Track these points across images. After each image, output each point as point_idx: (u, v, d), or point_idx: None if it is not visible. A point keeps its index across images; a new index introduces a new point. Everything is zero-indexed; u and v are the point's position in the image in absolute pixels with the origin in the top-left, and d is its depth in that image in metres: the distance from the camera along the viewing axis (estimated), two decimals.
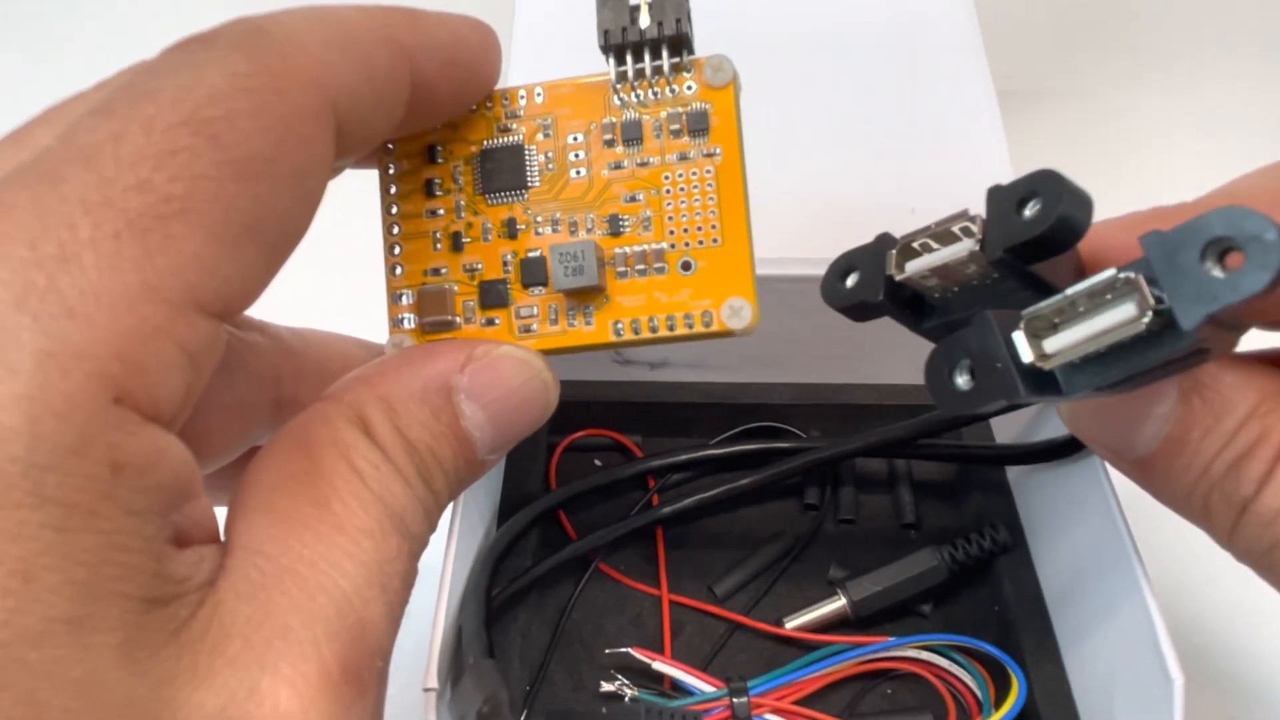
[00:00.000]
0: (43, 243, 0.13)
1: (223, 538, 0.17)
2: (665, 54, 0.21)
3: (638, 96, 0.21)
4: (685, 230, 0.21)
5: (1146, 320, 0.15)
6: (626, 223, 0.21)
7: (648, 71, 0.21)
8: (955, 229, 0.18)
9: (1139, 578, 0.23)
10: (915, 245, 0.18)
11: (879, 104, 0.37)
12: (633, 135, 0.21)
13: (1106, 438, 0.20)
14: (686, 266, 0.21)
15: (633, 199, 0.21)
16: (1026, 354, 0.16)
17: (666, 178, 0.21)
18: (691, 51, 0.21)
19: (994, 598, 0.29)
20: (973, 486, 0.32)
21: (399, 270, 0.22)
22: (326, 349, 0.23)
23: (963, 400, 0.17)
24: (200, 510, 0.15)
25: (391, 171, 0.22)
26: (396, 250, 0.22)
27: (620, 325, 0.21)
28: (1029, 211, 0.17)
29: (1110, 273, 0.15)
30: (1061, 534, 0.28)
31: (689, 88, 0.21)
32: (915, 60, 0.38)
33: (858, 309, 0.20)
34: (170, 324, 0.14)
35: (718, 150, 0.21)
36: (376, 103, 0.18)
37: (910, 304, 0.20)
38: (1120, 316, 0.15)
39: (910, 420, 0.30)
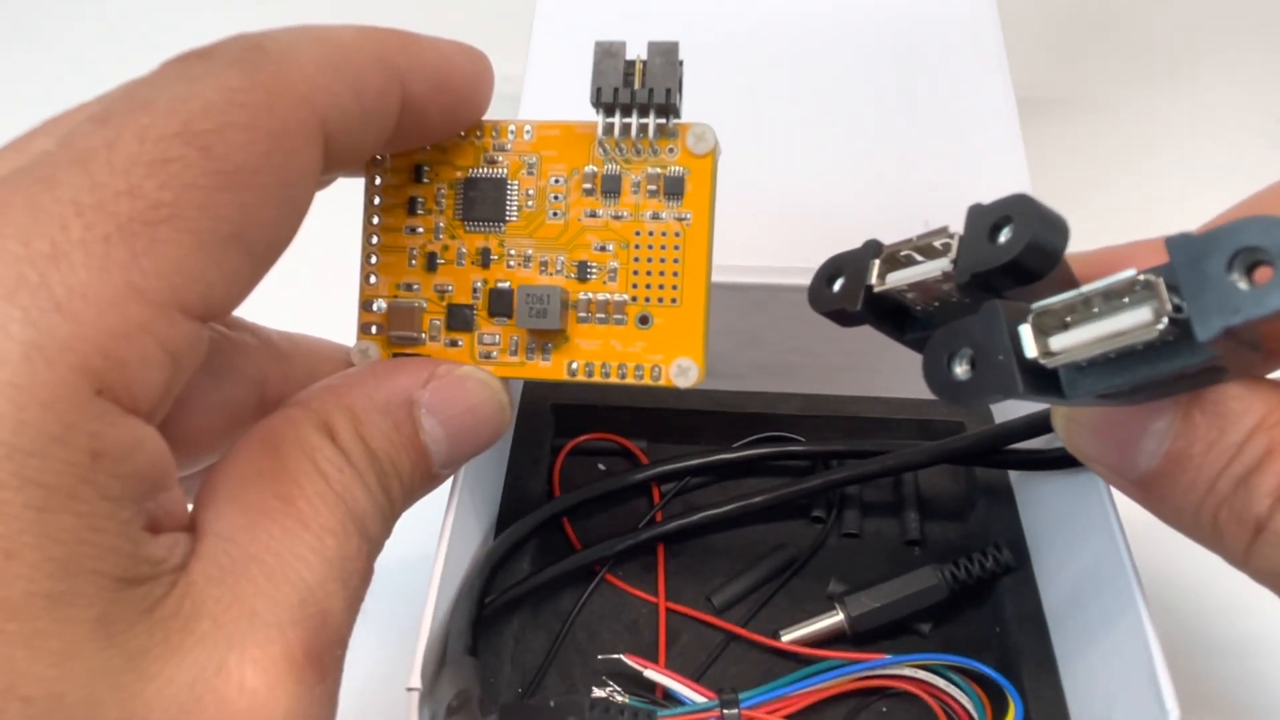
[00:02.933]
0: (36, 240, 0.14)
1: None
2: (652, 116, 0.22)
3: (621, 151, 0.22)
4: (648, 286, 0.22)
5: (1161, 327, 0.14)
6: (594, 270, 0.22)
7: (634, 130, 0.22)
8: (937, 244, 0.17)
9: (1139, 604, 0.23)
10: (900, 255, 0.18)
11: (898, 112, 0.37)
12: (611, 188, 0.22)
13: (1104, 455, 0.20)
14: (644, 320, 0.22)
15: (603, 248, 0.22)
16: (1031, 349, 0.15)
17: (637, 233, 0.22)
18: (678, 116, 0.22)
19: (996, 619, 0.29)
20: (980, 505, 0.31)
21: (373, 279, 0.23)
22: (316, 355, 0.23)
23: (958, 390, 0.16)
24: (173, 501, 0.16)
25: (378, 183, 0.23)
26: (373, 260, 0.23)
27: (575, 365, 0.22)
28: (1002, 237, 0.16)
29: (1130, 273, 0.15)
30: (1065, 556, 0.28)
31: (670, 150, 0.22)
32: (935, 68, 0.38)
33: (839, 315, 0.19)
34: (153, 323, 0.15)
35: (689, 215, 0.22)
36: (365, 121, 0.18)
37: (893, 314, 0.19)
38: (1134, 320, 0.14)
39: (928, 444, 0.30)
